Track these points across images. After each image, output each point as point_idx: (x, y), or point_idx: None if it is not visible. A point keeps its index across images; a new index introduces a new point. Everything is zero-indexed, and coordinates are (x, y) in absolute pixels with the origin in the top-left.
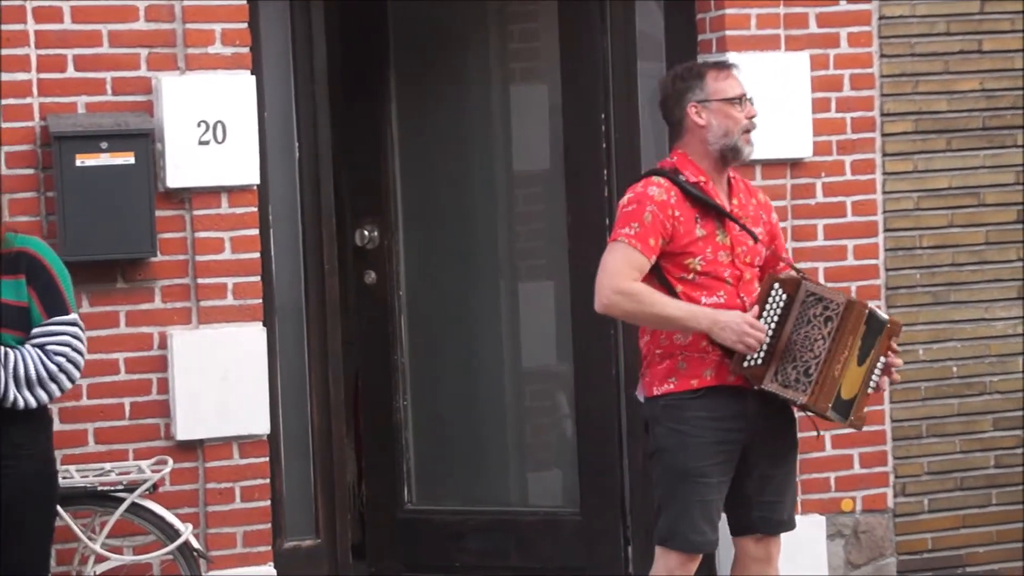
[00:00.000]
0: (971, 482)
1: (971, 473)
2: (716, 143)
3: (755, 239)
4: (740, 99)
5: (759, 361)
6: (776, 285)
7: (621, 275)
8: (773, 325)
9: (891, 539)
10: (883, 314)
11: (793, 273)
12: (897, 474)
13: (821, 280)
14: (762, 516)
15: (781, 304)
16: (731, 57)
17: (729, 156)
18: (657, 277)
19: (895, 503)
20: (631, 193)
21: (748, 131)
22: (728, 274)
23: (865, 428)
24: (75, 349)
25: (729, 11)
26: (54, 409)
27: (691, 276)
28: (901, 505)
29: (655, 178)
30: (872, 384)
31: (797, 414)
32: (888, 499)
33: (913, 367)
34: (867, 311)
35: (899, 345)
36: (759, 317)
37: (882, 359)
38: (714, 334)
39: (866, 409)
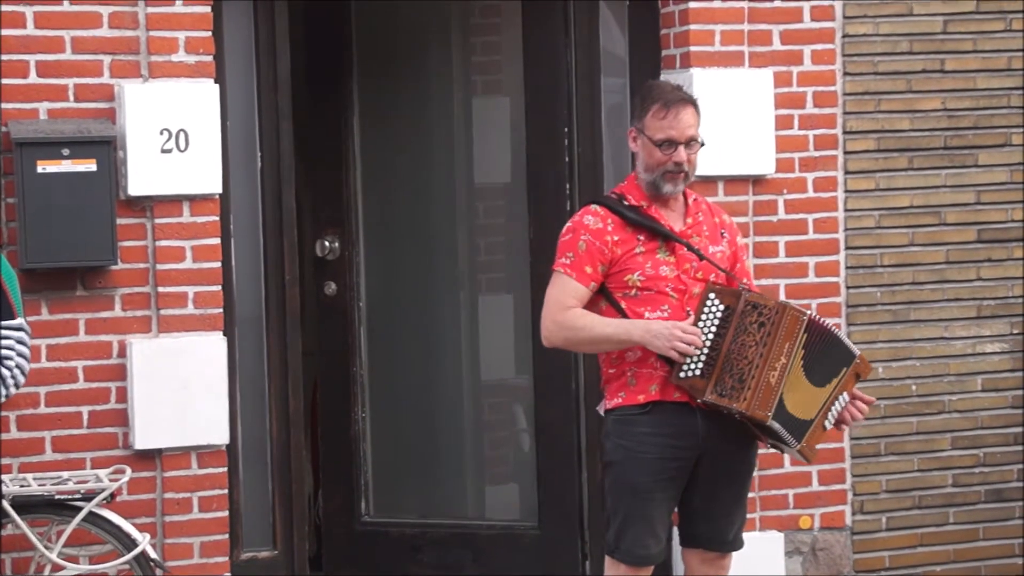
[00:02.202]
0: (929, 500)
1: (929, 491)
2: (641, 172)
3: (701, 257)
4: (667, 143)
5: (697, 372)
6: (712, 295)
7: (557, 304)
8: (711, 335)
9: (849, 556)
10: (851, 344)
11: (740, 287)
12: (855, 492)
13: (782, 297)
14: (708, 534)
15: (718, 314)
16: (695, 73)
17: (649, 191)
18: (605, 298)
19: (853, 520)
20: (570, 222)
21: (674, 172)
22: (672, 288)
23: (824, 446)
24: (20, 354)
25: (693, 27)
26: (11, 417)
27: (633, 292)
28: (859, 523)
29: (592, 207)
30: (831, 418)
31: (763, 448)
32: (846, 516)
33: (872, 385)
34: (805, 317)
35: None
36: (696, 326)
37: (845, 396)
38: (647, 343)
39: (819, 446)
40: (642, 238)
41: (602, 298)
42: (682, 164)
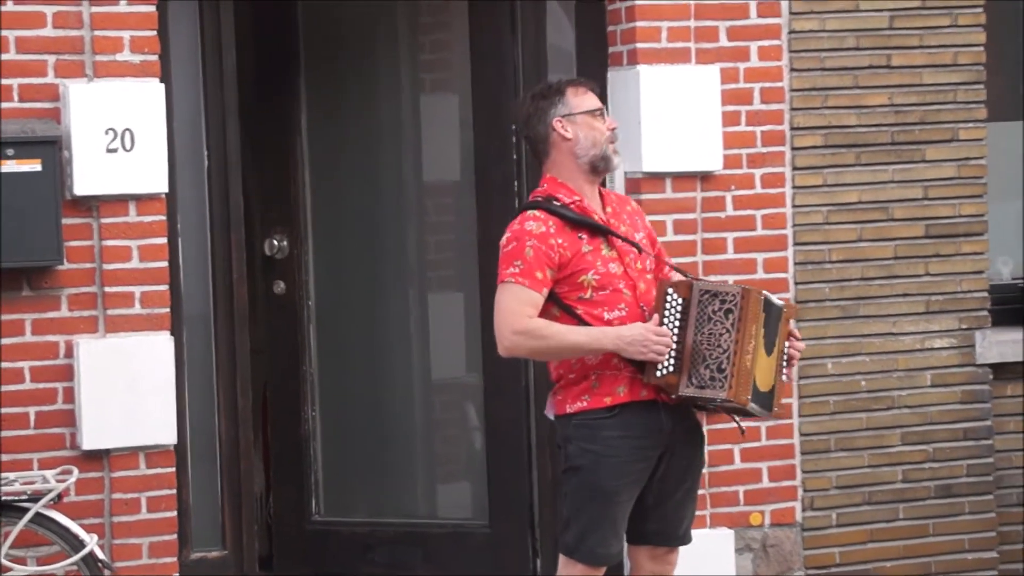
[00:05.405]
0: (879, 496)
1: (879, 487)
2: (585, 155)
3: (639, 249)
4: (600, 112)
5: (671, 369)
6: (670, 290)
7: (516, 315)
8: (676, 331)
9: (799, 553)
10: (777, 299)
11: (682, 276)
12: (805, 488)
13: None
14: (658, 529)
15: (679, 308)
16: (641, 70)
17: (600, 166)
18: (557, 305)
19: (803, 517)
20: (509, 232)
21: (613, 141)
22: (624, 285)
23: (774, 442)
24: None
25: (640, 24)
26: None
27: (588, 294)
28: (809, 519)
29: (530, 212)
30: (783, 373)
31: (706, 426)
32: (796, 513)
33: (822, 381)
34: (763, 297)
35: (808, 359)
36: (660, 325)
37: (786, 345)
38: (621, 350)
39: (783, 400)
40: (584, 237)
41: (553, 305)
42: (616, 129)
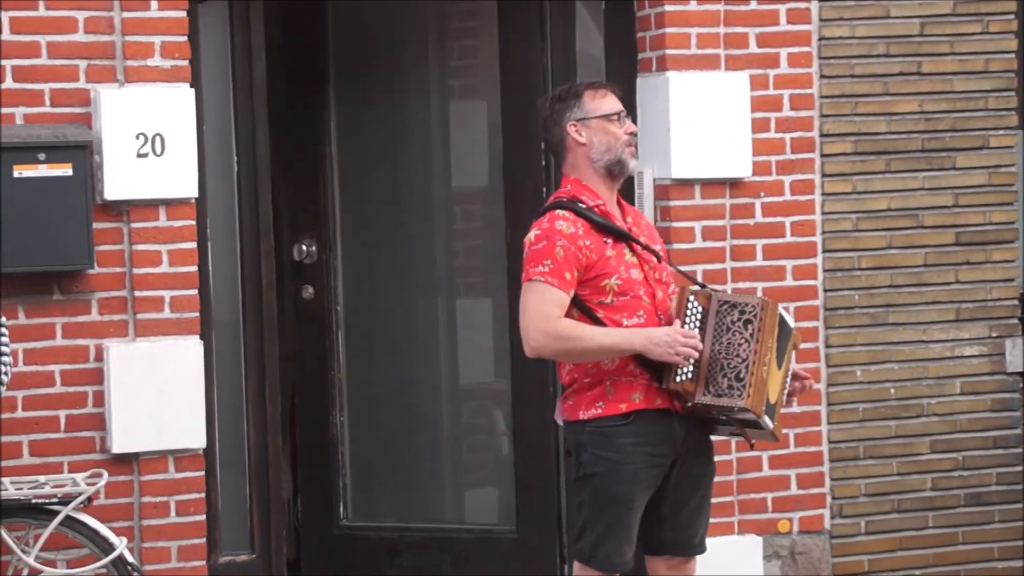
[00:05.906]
0: (908, 504)
1: (908, 495)
2: (600, 159)
3: (658, 257)
4: (618, 115)
5: (689, 375)
6: (691, 297)
7: (544, 316)
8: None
9: (828, 560)
10: (789, 317)
11: (698, 287)
12: (834, 495)
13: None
14: (674, 538)
15: (698, 316)
16: (671, 76)
17: (615, 171)
18: (578, 307)
19: (832, 524)
20: (537, 230)
21: (630, 145)
22: (644, 292)
23: (802, 449)
24: (3, 354)
25: (669, 30)
26: None
27: (610, 299)
28: (838, 526)
29: (559, 211)
30: (786, 393)
31: (719, 437)
32: (825, 520)
33: (851, 388)
34: (778, 310)
35: (837, 367)
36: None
37: (791, 367)
38: (649, 351)
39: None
40: (608, 241)
41: (574, 308)
42: (635, 133)
